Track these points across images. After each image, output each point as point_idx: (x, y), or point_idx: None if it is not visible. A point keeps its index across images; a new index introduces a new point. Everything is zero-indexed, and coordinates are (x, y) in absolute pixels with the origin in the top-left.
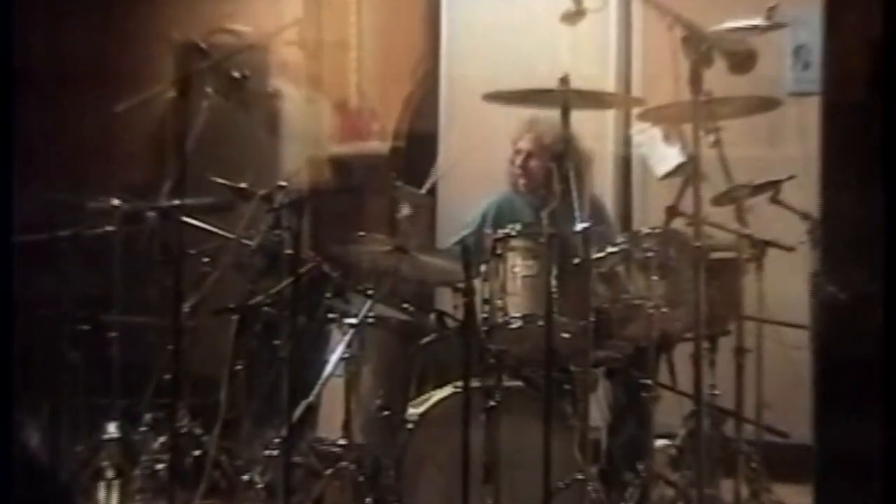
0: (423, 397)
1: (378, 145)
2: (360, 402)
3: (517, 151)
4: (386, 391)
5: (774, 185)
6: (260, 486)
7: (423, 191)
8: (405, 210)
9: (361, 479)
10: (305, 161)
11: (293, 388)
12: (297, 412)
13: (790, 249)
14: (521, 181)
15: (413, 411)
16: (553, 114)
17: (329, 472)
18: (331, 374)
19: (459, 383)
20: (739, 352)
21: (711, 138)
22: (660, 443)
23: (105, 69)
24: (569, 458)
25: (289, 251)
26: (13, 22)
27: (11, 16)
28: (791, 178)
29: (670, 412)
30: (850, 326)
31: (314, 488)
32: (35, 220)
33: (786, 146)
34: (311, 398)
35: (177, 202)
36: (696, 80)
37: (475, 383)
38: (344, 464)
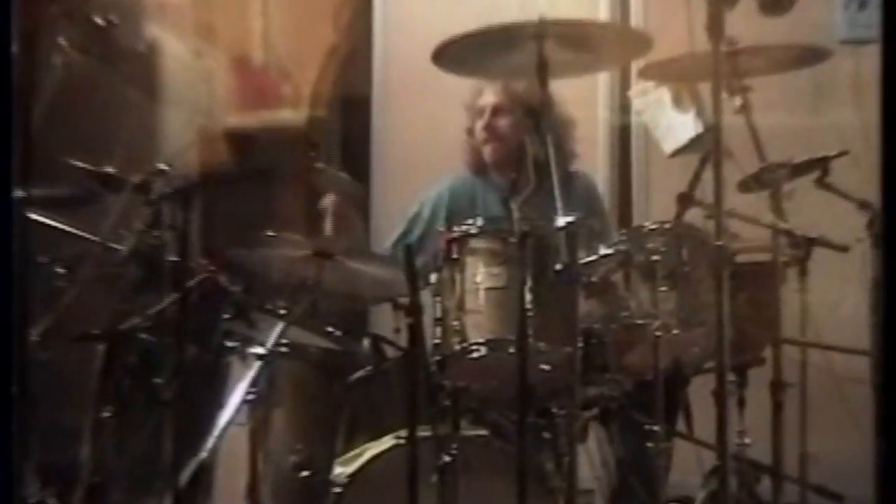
0: (355, 452)
1: (291, 115)
2: (271, 460)
3: (479, 111)
4: (305, 444)
5: (822, 163)
6: None
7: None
8: (329, 201)
9: None
10: (194, 136)
11: (180, 441)
12: (187, 473)
13: (843, 250)
14: (488, 149)
15: (341, 471)
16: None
17: None
18: (230, 423)
19: (403, 433)
20: (777, 387)
21: (738, 101)
22: None
23: None
24: None
25: (173, 258)
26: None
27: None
28: (843, 153)
29: (686, 468)
30: None
31: None
32: None
33: (837, 111)
34: (204, 454)
35: (20, 194)
36: (715, 25)
37: (424, 432)
38: None
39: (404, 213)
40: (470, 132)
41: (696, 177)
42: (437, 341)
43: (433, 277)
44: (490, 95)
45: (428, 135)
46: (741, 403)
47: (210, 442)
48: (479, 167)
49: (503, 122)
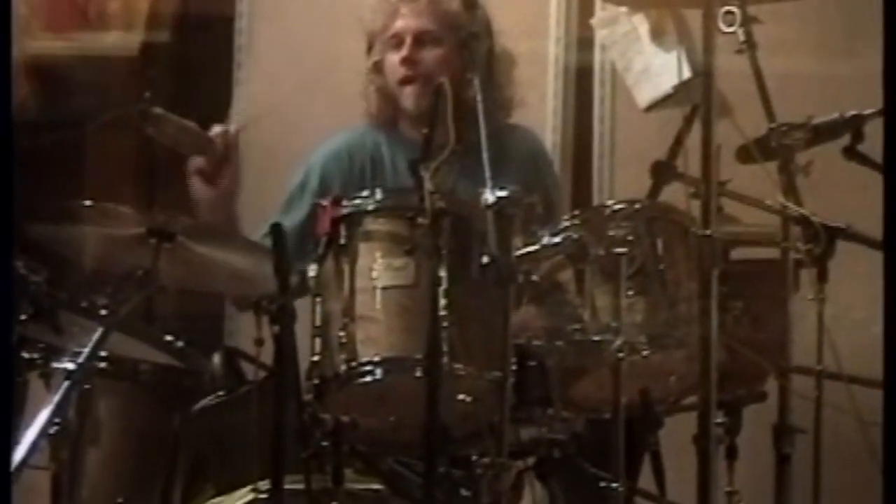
0: None
1: (118, 39)
2: None
3: (394, 39)
4: (128, 496)
5: (853, 124)
6: None
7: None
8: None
9: None
10: None
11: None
12: None
13: (879, 246)
14: (409, 91)
15: None
16: None
17: None
18: (24, 464)
19: (264, 484)
20: (783, 433)
21: (740, 37)
22: None
23: None
24: None
25: None
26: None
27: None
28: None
29: None
30: None
31: None
32: None
33: (874, 54)
34: None
35: None
36: None
37: (293, 484)
38: None
39: (284, 182)
40: (377, 69)
41: (679, 140)
42: (314, 359)
43: (311, 270)
44: (411, 17)
45: (315, 71)
46: (732, 454)
47: None
48: (387, 119)
49: (430, 55)
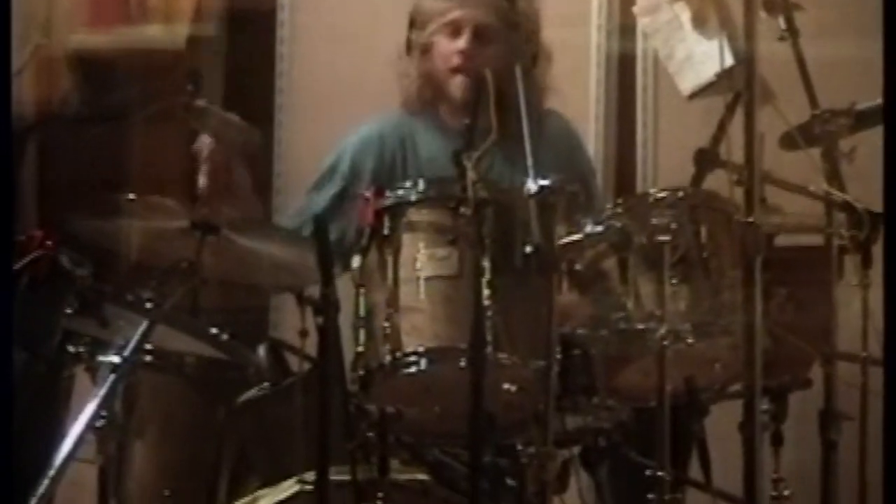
0: (245, 501)
1: (160, 33)
2: None
3: (451, 26)
4: (175, 489)
5: None
6: None
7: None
8: (204, 144)
9: None
10: (26, 60)
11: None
12: None
13: None
14: (458, 82)
15: None
16: None
17: None
18: (71, 459)
19: (310, 475)
20: (828, 419)
21: (782, 24)
22: None
23: None
24: None
25: None
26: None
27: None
28: None
29: None
30: None
31: None
32: None
33: None
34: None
35: None
36: None
37: (339, 475)
38: None
39: (319, 169)
40: (425, 51)
41: (722, 127)
42: (359, 350)
43: (355, 261)
44: (471, 7)
45: (353, 62)
46: (778, 441)
47: (42, 486)
48: (426, 103)
49: (488, 52)
